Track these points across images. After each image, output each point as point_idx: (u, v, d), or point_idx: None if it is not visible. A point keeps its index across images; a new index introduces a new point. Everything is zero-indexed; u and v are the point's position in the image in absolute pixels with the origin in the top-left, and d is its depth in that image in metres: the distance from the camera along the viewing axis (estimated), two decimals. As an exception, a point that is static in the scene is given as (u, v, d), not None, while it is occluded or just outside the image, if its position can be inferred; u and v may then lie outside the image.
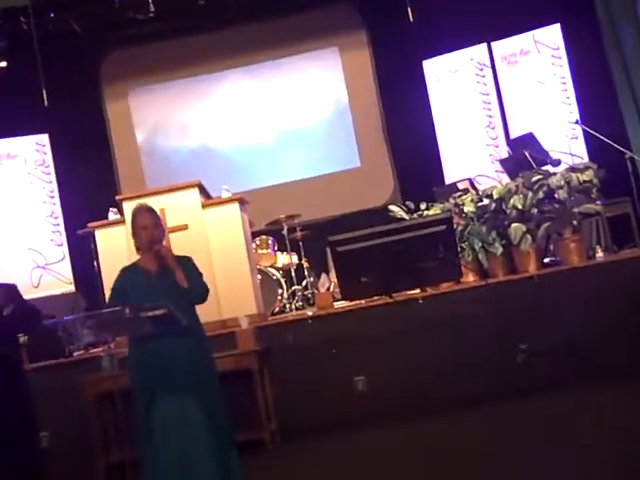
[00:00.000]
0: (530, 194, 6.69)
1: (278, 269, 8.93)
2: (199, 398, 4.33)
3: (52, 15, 9.90)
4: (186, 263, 4.55)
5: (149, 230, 4.48)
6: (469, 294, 6.45)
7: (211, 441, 4.30)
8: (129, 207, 6.47)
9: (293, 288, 8.78)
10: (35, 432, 4.91)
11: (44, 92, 9.48)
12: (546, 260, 6.95)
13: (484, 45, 9.86)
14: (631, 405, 5.11)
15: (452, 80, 9.86)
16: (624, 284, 6.17)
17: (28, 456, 4.74)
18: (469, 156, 9.58)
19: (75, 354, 6.87)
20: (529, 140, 7.85)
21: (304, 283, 8.88)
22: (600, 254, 6.82)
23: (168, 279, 4.42)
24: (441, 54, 9.97)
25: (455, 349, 6.19)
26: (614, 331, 6.08)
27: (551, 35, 9.64)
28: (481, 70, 9.78)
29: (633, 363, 5.88)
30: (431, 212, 7.22)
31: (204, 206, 6.96)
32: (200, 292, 4.52)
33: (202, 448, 4.27)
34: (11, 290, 4.90)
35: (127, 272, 4.55)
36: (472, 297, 6.39)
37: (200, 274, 4.59)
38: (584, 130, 8.71)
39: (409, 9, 9.68)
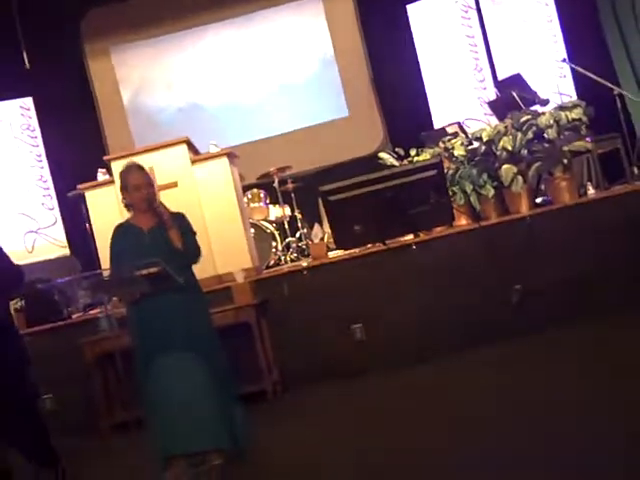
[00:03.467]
0: (519, 135, 6.67)
1: (271, 222, 8.92)
2: (198, 353, 4.36)
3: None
4: (180, 220, 4.54)
5: (142, 189, 4.45)
6: (462, 238, 6.46)
7: (213, 395, 4.34)
8: (117, 167, 6.42)
9: (287, 240, 8.78)
10: (35, 396, 4.88)
11: (25, 54, 9.36)
12: (538, 200, 6.95)
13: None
14: (628, 337, 5.16)
15: (437, 23, 9.74)
16: (616, 220, 6.19)
17: (30, 421, 4.74)
18: (457, 100, 9.51)
19: (73, 316, 6.89)
20: (517, 81, 7.79)
21: (298, 235, 8.88)
22: (592, 191, 6.82)
23: (163, 237, 4.41)
24: (424, -2, 9.84)
25: (450, 292, 6.23)
26: (608, 266, 6.12)
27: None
28: (466, 12, 9.65)
29: (628, 297, 5.92)
30: (421, 158, 7.20)
31: (193, 162, 6.93)
32: (192, 253, 4.52)
33: (205, 403, 4.31)
34: None
35: (122, 231, 4.53)
36: (465, 240, 6.41)
37: (194, 232, 4.58)
38: (572, 68, 8.64)
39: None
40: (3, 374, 4.51)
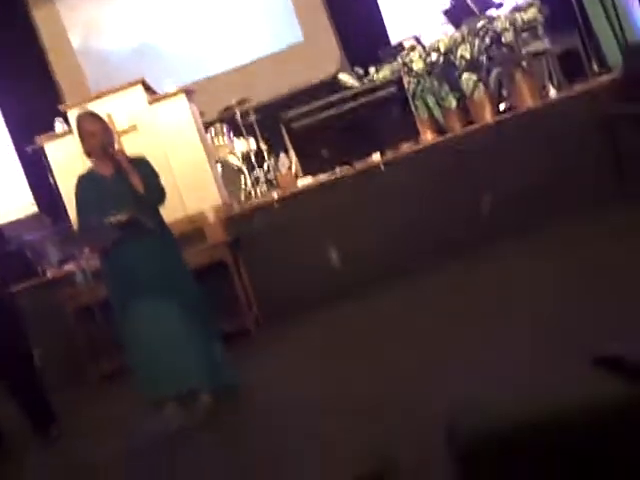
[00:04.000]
0: (477, 42, 6.60)
1: (237, 157, 8.82)
2: (174, 295, 4.37)
3: None
4: (142, 164, 4.49)
5: (98, 136, 4.41)
6: (429, 152, 6.43)
7: (194, 335, 4.37)
8: (74, 115, 6.33)
9: (255, 173, 8.70)
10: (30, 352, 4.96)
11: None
12: (501, 106, 6.91)
13: None
14: (599, 234, 5.24)
15: None
16: (579, 119, 6.18)
17: (29, 377, 4.83)
18: (412, 12, 9.36)
19: (48, 273, 6.84)
20: (470, -13, 7.67)
21: (265, 166, 8.80)
22: (553, 92, 6.78)
23: (126, 183, 4.37)
24: None
25: (422, 209, 6.24)
26: (577, 166, 6.12)
27: None
28: None
29: (598, 194, 5.96)
30: (380, 75, 7.10)
31: (151, 103, 6.80)
32: (156, 196, 4.47)
33: (185, 344, 4.34)
34: None
35: (85, 180, 4.50)
36: (432, 155, 6.38)
37: (157, 175, 4.54)
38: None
39: None
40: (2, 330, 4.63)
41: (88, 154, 4.52)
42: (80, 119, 4.50)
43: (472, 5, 7.19)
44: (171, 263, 4.50)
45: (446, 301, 5.12)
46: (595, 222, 5.54)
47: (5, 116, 9.61)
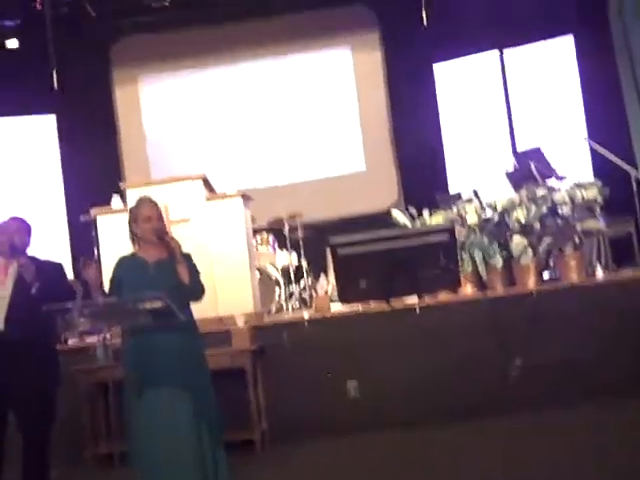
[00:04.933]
0: (534, 208, 6.70)
1: (277, 268, 8.91)
2: (189, 393, 4.33)
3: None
4: (187, 258, 4.54)
5: (153, 222, 4.48)
6: (467, 305, 6.43)
7: (199, 439, 4.30)
8: (133, 195, 6.48)
9: (291, 288, 8.76)
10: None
11: (54, 73, 9.47)
12: (545, 275, 6.94)
13: (496, 52, 9.87)
14: (625, 423, 5.14)
15: (462, 86, 9.87)
16: (623, 304, 6.16)
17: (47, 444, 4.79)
18: (475, 165, 9.58)
19: (69, 342, 6.84)
20: (536, 154, 7.84)
21: (302, 284, 8.86)
22: (600, 272, 6.81)
23: (166, 272, 4.41)
24: (452, 58, 9.97)
25: (450, 360, 6.17)
26: (611, 349, 6.07)
27: (563, 46, 9.65)
28: (492, 80, 9.78)
29: (629, 382, 5.87)
30: (433, 220, 7.21)
31: (207, 200, 6.94)
32: (197, 291, 4.51)
33: (188, 447, 4.26)
34: (45, 267, 4.82)
35: (125, 262, 4.54)
36: (469, 308, 6.38)
37: (198, 272, 4.59)
38: (591, 147, 8.70)
39: (424, 12, 9.69)
40: (44, 392, 4.65)
41: (134, 240, 4.58)
42: (140, 202, 4.58)
43: (535, 172, 7.32)
44: (193, 360, 4.47)
45: (448, 458, 5.02)
46: (621, 409, 5.43)
47: (65, 182, 9.88)
